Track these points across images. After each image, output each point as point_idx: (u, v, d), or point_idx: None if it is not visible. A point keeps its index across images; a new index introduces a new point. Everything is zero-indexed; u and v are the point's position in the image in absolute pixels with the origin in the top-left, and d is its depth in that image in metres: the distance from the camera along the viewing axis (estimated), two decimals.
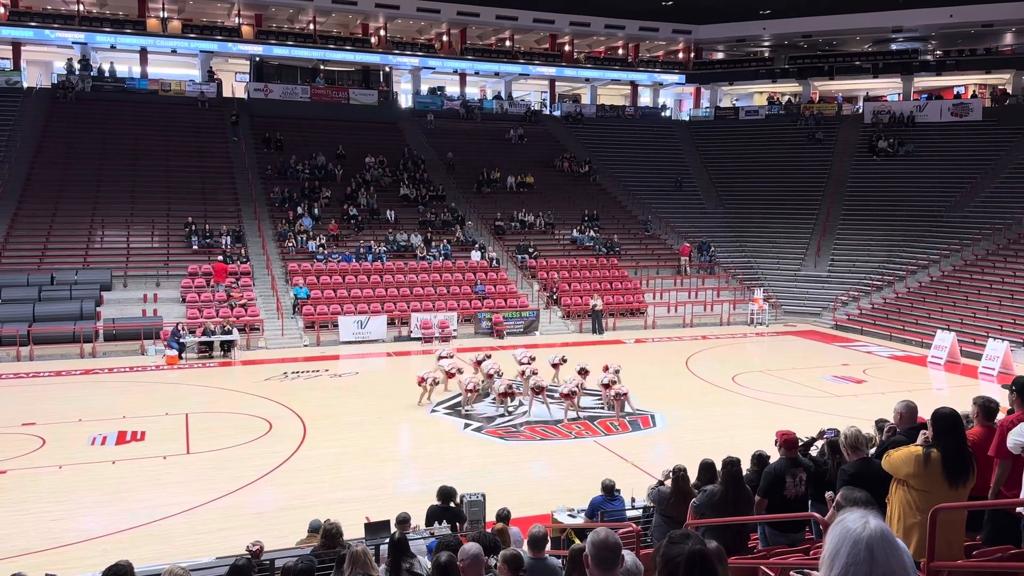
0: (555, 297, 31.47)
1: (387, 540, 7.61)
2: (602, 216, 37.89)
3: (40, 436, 16.26)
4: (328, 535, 8.01)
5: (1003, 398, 5.98)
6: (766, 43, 48.67)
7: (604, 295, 31.25)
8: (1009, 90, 44.09)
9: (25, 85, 38.19)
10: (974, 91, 46.13)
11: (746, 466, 8.01)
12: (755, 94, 52.21)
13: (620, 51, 50.38)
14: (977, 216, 35.07)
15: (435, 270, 31.45)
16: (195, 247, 29.97)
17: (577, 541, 8.62)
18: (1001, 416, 5.70)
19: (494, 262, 32.73)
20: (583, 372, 19.48)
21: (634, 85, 50.77)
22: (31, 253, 28.49)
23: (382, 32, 44.78)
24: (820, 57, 48.25)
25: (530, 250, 33.96)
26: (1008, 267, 30.43)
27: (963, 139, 40.88)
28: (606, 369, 19.24)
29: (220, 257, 29.06)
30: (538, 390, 18.44)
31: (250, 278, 29.04)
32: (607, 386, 18.48)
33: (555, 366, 21.32)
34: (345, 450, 15.81)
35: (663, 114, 50.45)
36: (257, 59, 42.04)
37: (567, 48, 48.81)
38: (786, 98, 49.31)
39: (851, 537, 1.95)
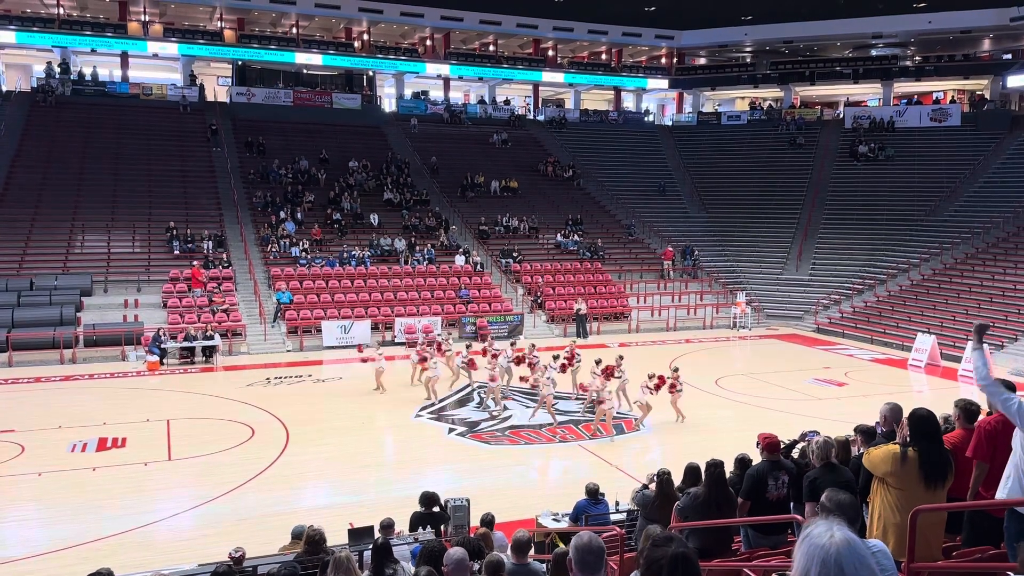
0: (539, 301, 31.49)
1: (371, 546, 7.58)
2: (586, 220, 37.97)
3: (19, 443, 16.07)
4: (311, 541, 7.97)
5: (983, 400, 6.04)
6: (748, 49, 49.05)
7: (588, 299, 31.30)
8: (987, 95, 44.63)
9: (4, 88, 37.84)
10: (953, 96, 46.65)
11: (729, 469, 8.04)
12: (737, 99, 52.60)
13: (604, 56, 50.60)
14: (956, 220, 35.44)
15: (419, 275, 31.37)
16: (177, 252, 29.73)
17: (561, 545, 8.61)
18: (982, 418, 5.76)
19: (478, 266, 32.70)
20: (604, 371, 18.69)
21: (617, 90, 50.95)
22: (10, 258, 28.17)
23: (365, 36, 44.71)
24: (801, 63, 48.67)
25: (514, 254, 33.96)
26: (987, 270, 30.78)
27: (942, 144, 41.34)
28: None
29: (195, 263, 28.71)
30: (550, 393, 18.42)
31: (232, 283, 28.85)
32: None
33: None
34: (329, 455, 15.74)
35: (646, 119, 50.63)
36: (239, 63, 41.82)
37: (551, 53, 48.94)
38: (768, 103, 49.66)
39: (819, 554, 1.94)
